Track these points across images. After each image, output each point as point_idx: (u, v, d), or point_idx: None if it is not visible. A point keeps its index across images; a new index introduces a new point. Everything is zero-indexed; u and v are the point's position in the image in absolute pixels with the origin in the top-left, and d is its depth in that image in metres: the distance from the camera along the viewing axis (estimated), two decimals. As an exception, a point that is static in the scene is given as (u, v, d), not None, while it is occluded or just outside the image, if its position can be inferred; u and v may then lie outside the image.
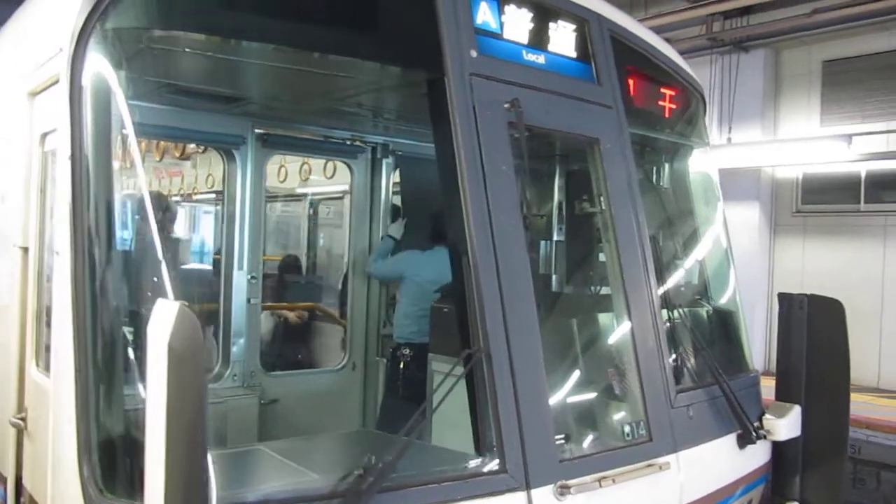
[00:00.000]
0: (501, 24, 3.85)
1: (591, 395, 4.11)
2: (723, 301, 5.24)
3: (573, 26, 4.18)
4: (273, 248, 10.04)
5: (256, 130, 6.06)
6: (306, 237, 10.14)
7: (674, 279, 4.83)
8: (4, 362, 3.88)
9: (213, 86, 4.96)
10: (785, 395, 4.75)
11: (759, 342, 11.91)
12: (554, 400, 3.59)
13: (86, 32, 2.99)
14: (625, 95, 4.38)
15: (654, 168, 5.25)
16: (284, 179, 9.01)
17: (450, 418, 3.45)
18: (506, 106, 3.66)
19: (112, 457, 2.79)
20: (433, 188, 6.25)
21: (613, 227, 4.04)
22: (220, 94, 5.26)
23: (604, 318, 4.45)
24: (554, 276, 5.47)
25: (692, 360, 4.48)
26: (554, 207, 5.65)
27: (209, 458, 2.21)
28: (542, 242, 5.57)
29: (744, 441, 4.41)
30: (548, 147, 5.18)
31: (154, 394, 2.24)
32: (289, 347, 7.76)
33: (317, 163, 8.50)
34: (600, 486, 3.41)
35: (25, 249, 3.74)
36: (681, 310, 4.53)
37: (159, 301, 2.34)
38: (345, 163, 6.94)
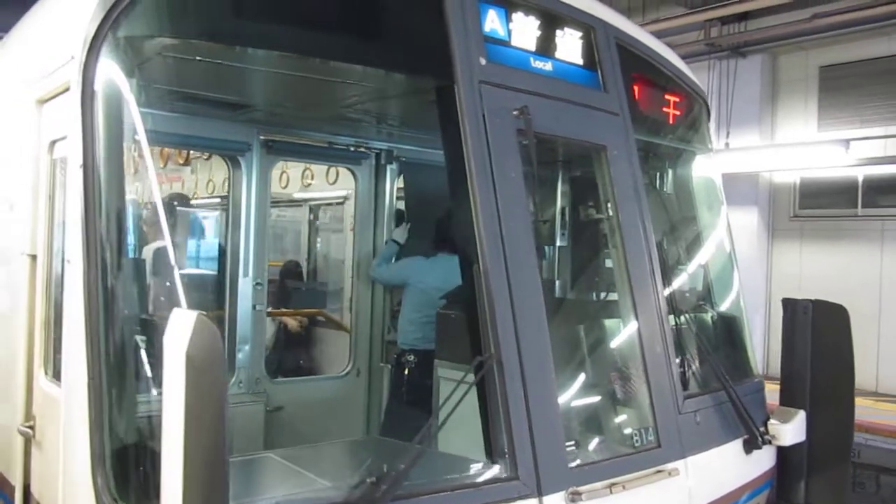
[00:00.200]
0: (509, 32, 3.87)
1: (600, 402, 4.11)
2: (727, 306, 5.26)
3: (579, 33, 4.20)
4: (273, 254, 10.02)
5: (261, 137, 6.07)
6: (307, 243, 10.14)
7: (680, 285, 4.84)
8: (11, 370, 3.87)
9: (219, 93, 4.97)
10: (789, 400, 4.77)
11: (757, 347, 11.95)
12: (563, 406, 3.59)
13: (98, 40, 2.98)
14: (630, 102, 4.40)
15: (660, 174, 5.27)
16: (286, 185, 9.02)
17: (456, 424, 3.44)
18: (515, 113, 3.67)
19: (126, 466, 2.78)
20: (437, 194, 6.30)
21: (621, 233, 4.05)
22: (226, 101, 5.27)
23: (611, 323, 4.46)
24: (557, 282, 5.49)
25: (699, 366, 4.49)
26: (557, 213, 5.66)
27: (229, 468, 2.20)
28: (546, 248, 5.58)
29: (750, 446, 4.43)
30: (550, 153, 5.19)
31: (171, 404, 2.23)
32: (292, 354, 7.74)
33: (319, 168, 8.51)
34: (611, 492, 3.41)
35: (34, 257, 3.73)
36: (687, 315, 4.54)
37: (175, 311, 2.34)
38: (349, 169, 6.95)
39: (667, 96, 4.87)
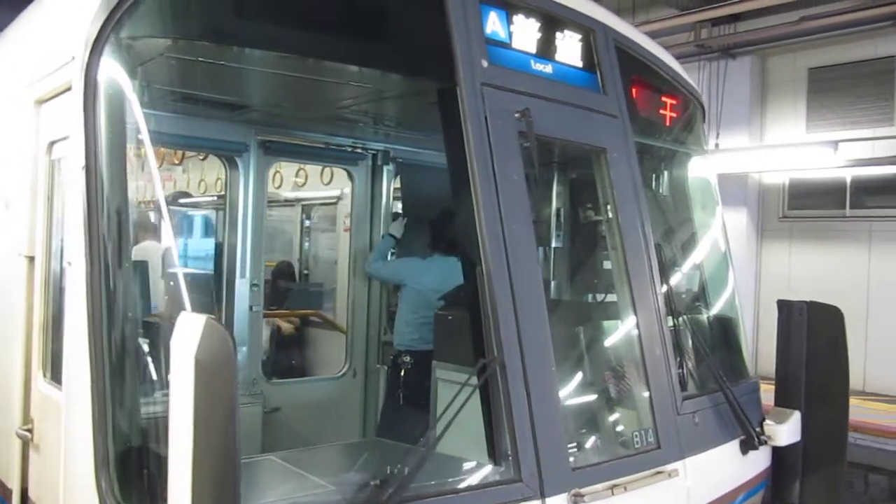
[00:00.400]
0: (510, 34, 3.87)
1: (600, 403, 4.13)
2: (723, 308, 5.29)
3: (579, 36, 4.21)
4: (265, 255, 9.97)
5: (258, 137, 6.05)
6: (299, 243, 10.10)
7: (678, 287, 4.87)
8: (8, 373, 3.83)
9: (217, 93, 4.95)
10: (784, 400, 4.80)
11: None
12: (565, 408, 3.60)
13: (101, 41, 2.97)
14: (629, 104, 4.41)
15: (658, 176, 5.29)
16: (280, 185, 8.99)
17: (455, 426, 3.44)
18: (516, 115, 3.67)
19: (131, 470, 2.77)
20: (433, 195, 6.31)
21: (621, 235, 4.07)
22: (224, 102, 5.25)
23: (611, 325, 4.47)
24: (558, 283, 5.51)
25: (697, 368, 4.52)
26: (552, 214, 5.68)
27: (240, 475, 2.19)
28: (547, 249, 5.60)
29: (746, 447, 4.45)
30: (547, 154, 5.21)
31: (179, 409, 2.22)
32: (285, 355, 7.72)
33: (312, 168, 8.49)
34: (612, 493, 3.43)
35: (31, 258, 3.70)
36: (685, 317, 4.56)
37: (183, 314, 2.33)
38: (346, 169, 6.94)
39: (664, 99, 4.90)
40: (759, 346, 12.60)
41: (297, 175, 8.79)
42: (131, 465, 2.79)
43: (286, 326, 8.09)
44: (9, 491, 3.82)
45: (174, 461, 2.25)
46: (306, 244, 10.25)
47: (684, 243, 5.16)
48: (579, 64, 4.19)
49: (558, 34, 4.10)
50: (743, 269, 13.11)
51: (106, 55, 2.99)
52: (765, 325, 12.13)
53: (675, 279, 4.82)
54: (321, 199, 9.16)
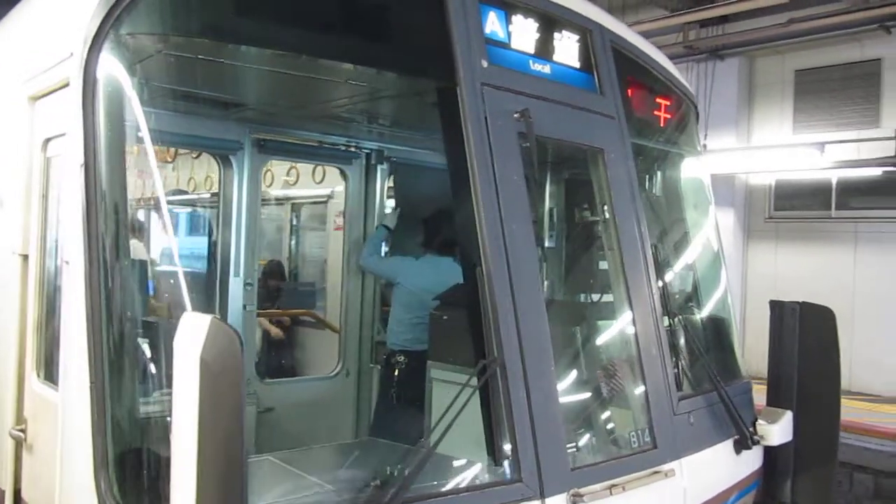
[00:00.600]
0: (509, 34, 3.87)
1: (597, 403, 4.14)
2: (717, 308, 5.32)
3: (576, 36, 4.21)
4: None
5: (253, 136, 6.02)
6: (288, 242, 10.05)
7: (674, 287, 4.89)
8: (1, 372, 3.79)
9: (214, 91, 4.92)
10: (776, 400, 4.83)
11: (734, 346, 12.10)
12: (563, 408, 3.61)
13: (100, 37, 2.94)
14: (625, 105, 4.42)
15: (654, 177, 5.31)
16: (270, 184, 8.92)
17: (452, 425, 3.44)
18: (516, 116, 3.67)
19: (132, 471, 2.74)
20: (427, 195, 6.29)
21: (618, 236, 4.08)
22: (220, 100, 5.21)
23: (606, 325, 4.48)
24: (555, 284, 5.51)
25: (692, 368, 4.54)
26: (555, 215, 5.69)
27: (247, 478, 2.17)
28: (544, 250, 5.60)
29: (740, 446, 4.48)
30: (544, 154, 5.21)
31: (183, 409, 2.20)
32: (275, 355, 7.68)
33: (304, 167, 8.45)
34: (611, 493, 3.44)
35: (25, 257, 3.66)
36: (680, 317, 4.58)
37: (187, 314, 2.31)
38: (339, 168, 6.91)
39: (659, 100, 4.91)
40: (747, 346, 12.72)
41: (288, 174, 8.74)
42: (131, 465, 2.76)
43: (275, 331, 8.05)
44: (1, 492, 3.77)
45: (177, 463, 2.23)
46: (294, 243, 10.20)
47: (680, 244, 5.19)
48: (577, 64, 4.19)
49: (556, 34, 4.10)
50: (730, 270, 13.16)
51: (105, 52, 2.96)
52: (751, 324, 12.22)
53: (671, 279, 4.84)
54: (311, 198, 9.12)
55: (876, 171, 12.35)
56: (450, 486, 3.11)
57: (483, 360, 3.27)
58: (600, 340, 4.50)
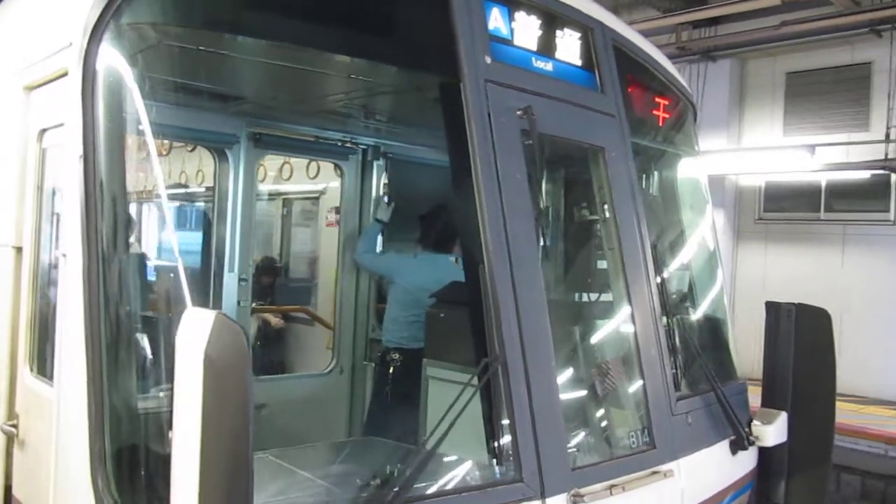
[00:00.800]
0: (511, 31, 3.84)
1: (597, 403, 4.12)
2: (714, 308, 5.33)
3: (578, 34, 4.19)
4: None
5: (249, 130, 5.96)
6: (280, 238, 9.98)
7: (673, 287, 4.88)
8: None
9: (212, 83, 4.86)
10: (771, 401, 4.84)
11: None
12: (564, 407, 3.59)
13: (100, 27, 2.89)
14: (626, 104, 4.41)
15: (653, 176, 5.30)
16: (263, 179, 8.83)
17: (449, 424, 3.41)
18: (519, 113, 3.64)
19: (130, 468, 2.69)
20: (423, 192, 6.25)
21: (618, 235, 4.06)
22: (217, 92, 5.16)
23: (607, 325, 4.47)
24: (554, 283, 5.48)
25: (689, 368, 4.53)
26: (556, 214, 5.66)
27: (253, 478, 2.12)
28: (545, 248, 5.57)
29: (736, 447, 4.48)
30: (548, 153, 5.19)
31: (186, 407, 2.15)
32: (271, 351, 7.63)
33: (298, 162, 8.38)
34: (611, 493, 3.42)
35: (19, 249, 3.60)
36: (678, 318, 4.58)
37: (189, 309, 2.26)
38: (335, 164, 6.86)
39: (659, 99, 4.90)
40: (734, 346, 12.78)
41: (281, 169, 8.66)
42: (129, 462, 2.71)
43: (274, 321, 8.00)
44: None
45: (179, 462, 2.18)
46: (285, 239, 10.11)
47: (679, 244, 5.18)
48: (578, 62, 4.17)
49: (558, 32, 4.08)
50: (720, 270, 13.26)
51: (105, 42, 2.91)
52: (740, 325, 12.25)
53: (670, 279, 4.83)
54: (303, 194, 9.05)
55: (864, 174, 12.45)
56: (450, 485, 3.08)
57: (485, 359, 3.24)
58: (600, 340, 4.48)
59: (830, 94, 13.01)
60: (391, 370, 5.82)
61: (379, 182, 6.89)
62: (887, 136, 12.10)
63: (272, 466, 3.36)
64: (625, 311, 4.07)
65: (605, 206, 4.17)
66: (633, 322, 4.02)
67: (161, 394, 2.69)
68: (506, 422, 3.23)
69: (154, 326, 2.95)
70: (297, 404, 6.23)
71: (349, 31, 3.44)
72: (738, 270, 14.09)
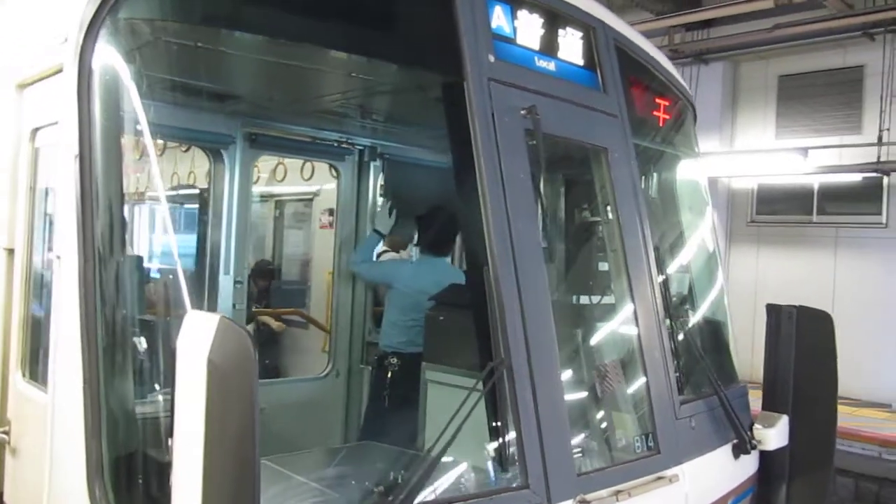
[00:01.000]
0: (514, 29, 3.79)
1: (601, 408, 4.07)
2: (715, 312, 5.29)
3: (580, 33, 4.14)
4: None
5: (244, 130, 5.88)
6: (272, 240, 9.89)
7: (675, 290, 4.84)
8: None
9: (208, 82, 4.78)
10: (772, 404, 4.80)
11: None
12: (569, 412, 3.53)
13: (96, 23, 2.81)
14: (628, 104, 4.36)
15: (654, 177, 5.27)
16: (257, 180, 8.74)
17: (452, 429, 3.34)
18: (522, 112, 3.59)
19: (128, 476, 2.61)
20: (421, 194, 6.19)
21: (621, 237, 4.01)
22: (213, 92, 5.08)
23: (609, 328, 4.42)
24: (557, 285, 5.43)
25: (692, 372, 4.49)
26: (558, 215, 5.61)
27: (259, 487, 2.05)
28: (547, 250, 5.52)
29: (738, 451, 4.44)
30: (546, 151, 5.14)
31: (189, 414, 2.08)
32: (266, 355, 7.54)
33: (292, 163, 8.30)
34: (617, 499, 3.37)
35: (11, 251, 3.52)
36: (681, 320, 4.54)
37: (191, 313, 2.19)
38: (332, 165, 6.79)
39: (660, 99, 4.87)
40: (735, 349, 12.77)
41: (274, 170, 8.58)
42: (127, 470, 2.64)
43: (276, 325, 7.92)
44: None
45: (180, 469, 2.11)
46: (279, 241, 10.03)
47: (681, 246, 5.14)
48: (580, 62, 4.12)
49: (560, 31, 4.03)
50: (713, 273, 13.26)
51: (102, 38, 2.84)
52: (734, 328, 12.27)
53: (673, 282, 4.79)
54: (297, 196, 8.96)
55: (857, 177, 12.48)
56: (457, 492, 3.02)
57: (490, 363, 3.17)
58: (603, 343, 4.43)
59: (823, 97, 13.03)
60: (389, 374, 5.74)
61: (376, 183, 6.82)
62: (879, 139, 12.13)
63: (268, 471, 3.28)
64: (628, 313, 4.02)
65: (608, 208, 4.12)
66: (637, 325, 3.97)
67: (161, 399, 2.62)
68: (511, 427, 3.17)
69: (151, 330, 2.87)
70: (293, 408, 6.14)
71: (349, 28, 3.37)
72: (730, 273, 14.08)
